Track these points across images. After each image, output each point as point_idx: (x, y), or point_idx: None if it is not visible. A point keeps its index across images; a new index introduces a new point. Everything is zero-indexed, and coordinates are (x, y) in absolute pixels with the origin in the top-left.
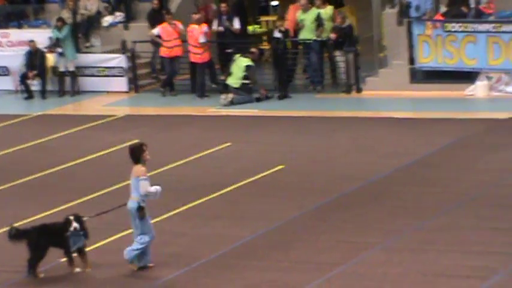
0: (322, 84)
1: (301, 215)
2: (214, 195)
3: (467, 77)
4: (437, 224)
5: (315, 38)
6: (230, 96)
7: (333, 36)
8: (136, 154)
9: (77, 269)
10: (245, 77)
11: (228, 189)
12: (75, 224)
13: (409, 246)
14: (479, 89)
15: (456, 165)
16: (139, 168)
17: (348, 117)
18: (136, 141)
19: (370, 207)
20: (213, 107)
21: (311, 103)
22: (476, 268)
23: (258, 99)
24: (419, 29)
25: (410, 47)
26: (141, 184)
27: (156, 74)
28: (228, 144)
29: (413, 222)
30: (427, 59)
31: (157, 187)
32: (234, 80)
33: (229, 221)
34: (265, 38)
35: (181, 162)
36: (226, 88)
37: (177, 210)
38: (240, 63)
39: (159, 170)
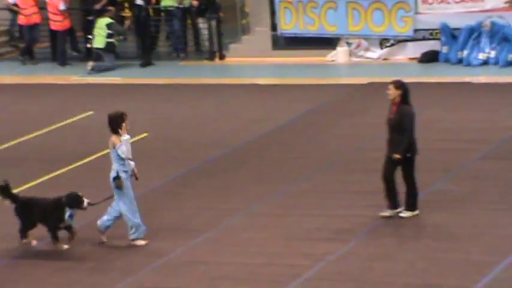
0: (185, 51)
1: (166, 183)
2: (77, 164)
3: (329, 43)
4: (299, 188)
5: (177, 5)
6: (91, 64)
7: (195, 3)
8: (115, 123)
9: (66, 246)
10: (109, 36)
11: (91, 157)
12: (87, 200)
13: (272, 212)
14: (340, 55)
15: (317, 130)
16: (116, 138)
17: (212, 84)
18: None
19: (233, 174)
20: (75, 76)
21: (175, 70)
22: (339, 231)
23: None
24: None
25: (272, 13)
26: (119, 151)
27: (15, 42)
28: (91, 112)
29: (277, 188)
30: (289, 25)
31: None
32: (99, 41)
33: (92, 190)
34: (126, 5)
35: (43, 131)
36: (90, 55)
37: (40, 180)
38: (101, 24)
39: (19, 140)
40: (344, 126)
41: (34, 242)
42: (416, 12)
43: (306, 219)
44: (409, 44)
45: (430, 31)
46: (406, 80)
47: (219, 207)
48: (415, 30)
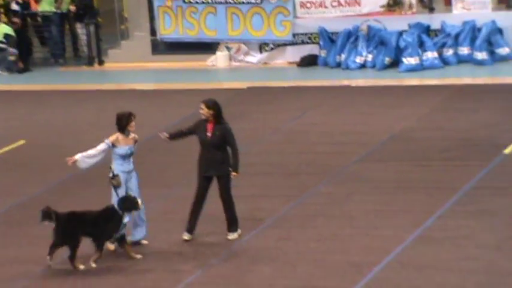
0: (64, 57)
1: (45, 190)
2: None
3: (209, 47)
4: (181, 193)
5: (54, 10)
6: None
7: (73, 8)
8: (123, 123)
9: (82, 266)
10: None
11: None
12: (140, 200)
13: (153, 217)
14: (220, 59)
15: None
16: (120, 137)
17: (91, 90)
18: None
19: None
20: None
21: (53, 76)
22: (220, 233)
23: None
24: (160, 1)
25: (152, 18)
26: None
27: None
28: None
29: (159, 192)
30: (168, 30)
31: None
32: None
33: None
34: (1, 10)
35: None
36: None
37: None
38: (1, 29)
39: None
40: None
41: (82, 266)
42: (295, 17)
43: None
44: (289, 48)
45: (309, 35)
46: (285, 84)
47: None
48: (294, 35)
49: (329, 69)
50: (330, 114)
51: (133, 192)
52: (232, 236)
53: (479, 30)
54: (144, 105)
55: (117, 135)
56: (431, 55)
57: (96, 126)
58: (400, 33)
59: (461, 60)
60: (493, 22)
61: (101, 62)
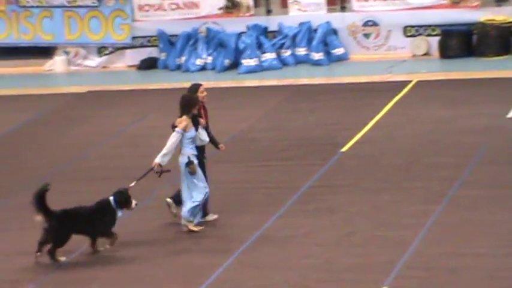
0: None
1: None
2: None
3: (46, 52)
4: (18, 201)
5: None
6: None
7: None
8: (190, 105)
9: (63, 258)
10: None
11: None
12: (134, 201)
13: None
14: (57, 64)
15: (38, 141)
16: (186, 121)
17: None
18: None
19: None
20: None
21: None
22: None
23: None
24: None
25: None
26: (200, 136)
27: None
28: None
29: None
30: (3, 35)
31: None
32: None
33: None
34: None
35: None
36: None
37: None
38: None
39: None
40: (66, 136)
41: (63, 258)
42: (134, 20)
43: (27, 233)
44: (128, 51)
45: (148, 38)
46: (125, 87)
47: None
48: (133, 38)
49: (169, 72)
50: (171, 117)
51: (201, 177)
52: None
53: (315, 31)
54: None
55: (185, 120)
56: (269, 56)
57: None
58: (239, 35)
59: (298, 60)
60: (328, 23)
61: None
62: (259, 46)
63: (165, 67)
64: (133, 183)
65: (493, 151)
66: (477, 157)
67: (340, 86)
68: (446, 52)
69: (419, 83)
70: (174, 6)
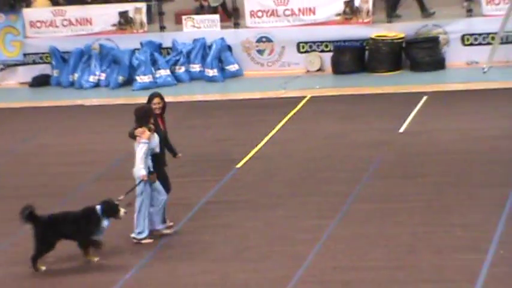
0: None
1: None
2: None
3: None
4: None
5: None
6: None
7: None
8: (145, 117)
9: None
10: None
11: None
12: (123, 210)
13: None
14: None
15: None
16: (145, 132)
17: None
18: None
19: None
20: None
21: None
22: None
23: None
24: None
25: None
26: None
27: None
28: None
29: None
30: None
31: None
32: None
33: None
34: None
35: None
36: None
37: None
38: None
39: None
40: None
41: (43, 268)
42: (25, 36)
43: None
44: (20, 68)
45: (40, 55)
46: (17, 105)
47: None
48: (25, 54)
49: (62, 89)
50: (64, 134)
51: (159, 187)
52: None
53: (209, 47)
54: None
55: (146, 130)
56: (164, 73)
57: None
58: (133, 52)
59: (193, 77)
60: (222, 40)
61: None
62: (154, 63)
63: (58, 84)
64: (122, 197)
65: (386, 165)
66: (370, 171)
67: (235, 102)
68: (339, 68)
69: (313, 99)
70: (66, 23)
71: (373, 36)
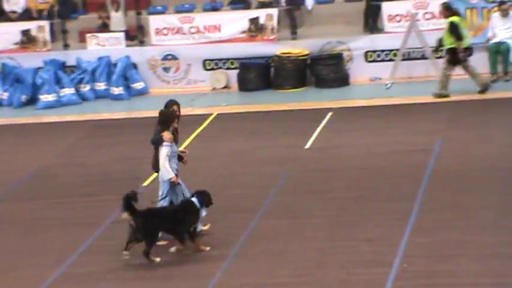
0: None
1: None
2: None
3: None
4: None
5: None
6: None
7: None
8: (169, 120)
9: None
10: None
11: None
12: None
13: None
14: None
15: None
16: (166, 134)
17: None
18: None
19: None
20: None
21: None
22: None
23: None
24: None
25: None
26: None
27: None
28: None
29: None
30: None
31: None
32: None
33: None
34: None
35: None
36: None
37: None
38: None
39: None
40: None
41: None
42: None
43: None
44: None
45: None
46: None
47: None
48: None
49: None
50: None
51: (179, 191)
52: None
53: (114, 65)
54: None
55: (169, 134)
56: (68, 91)
57: None
58: (36, 70)
59: (98, 95)
60: (128, 57)
61: None
62: (58, 81)
63: None
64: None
65: (292, 181)
66: (277, 188)
67: (140, 120)
68: (245, 85)
69: (220, 116)
70: None
71: (278, 53)
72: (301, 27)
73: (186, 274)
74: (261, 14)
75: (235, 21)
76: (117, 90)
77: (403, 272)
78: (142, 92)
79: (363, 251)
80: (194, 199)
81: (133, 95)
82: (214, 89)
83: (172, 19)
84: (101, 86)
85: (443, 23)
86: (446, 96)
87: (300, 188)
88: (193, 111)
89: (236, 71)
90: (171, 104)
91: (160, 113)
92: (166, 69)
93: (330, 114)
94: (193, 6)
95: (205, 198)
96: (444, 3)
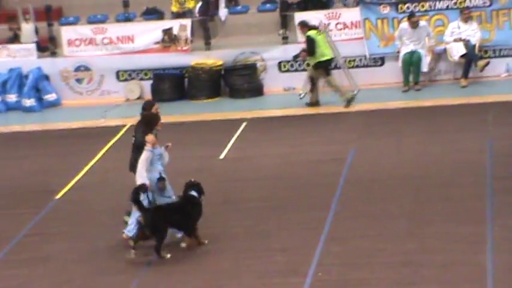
0: None
1: None
2: None
3: None
4: None
5: None
6: None
7: None
8: (152, 123)
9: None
10: None
11: None
12: None
13: None
14: None
15: None
16: (154, 138)
17: None
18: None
19: None
20: None
21: None
22: None
23: None
24: None
25: None
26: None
27: None
28: None
29: None
30: None
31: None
32: None
33: None
34: None
35: None
36: None
37: None
38: None
39: None
40: None
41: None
42: None
43: None
44: None
45: None
46: None
47: None
48: None
49: None
50: None
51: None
52: None
53: (26, 77)
54: None
55: (152, 137)
56: None
57: None
58: None
59: (9, 107)
60: (39, 69)
61: None
62: None
63: None
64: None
65: (207, 192)
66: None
67: (53, 132)
68: (159, 96)
69: (133, 128)
70: None
71: (192, 63)
72: (215, 37)
73: (103, 286)
74: (175, 24)
75: (149, 32)
76: (29, 102)
77: (318, 281)
78: (54, 104)
79: (278, 261)
80: (193, 192)
81: (46, 107)
82: (128, 100)
83: (84, 30)
84: (12, 97)
85: (356, 33)
86: (351, 99)
87: (215, 199)
88: (106, 122)
89: (150, 82)
90: (150, 105)
91: (144, 115)
92: (79, 81)
93: (244, 124)
94: (106, 17)
95: (200, 188)
96: (300, 22)
